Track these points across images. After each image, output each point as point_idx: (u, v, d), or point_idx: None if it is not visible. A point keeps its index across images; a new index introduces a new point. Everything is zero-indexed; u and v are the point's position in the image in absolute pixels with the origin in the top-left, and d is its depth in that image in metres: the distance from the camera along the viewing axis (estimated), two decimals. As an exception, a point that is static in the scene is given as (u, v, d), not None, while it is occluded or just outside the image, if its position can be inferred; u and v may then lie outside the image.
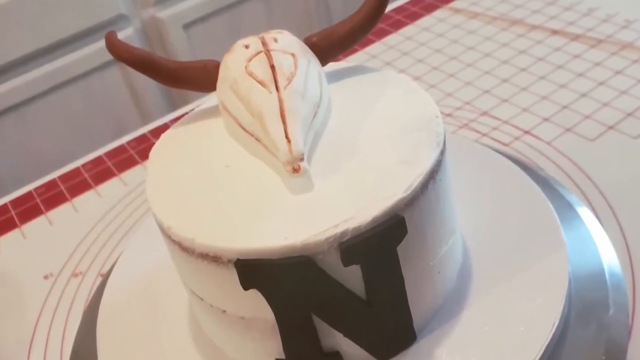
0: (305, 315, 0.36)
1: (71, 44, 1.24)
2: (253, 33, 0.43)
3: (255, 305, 0.36)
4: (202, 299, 0.40)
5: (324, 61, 0.43)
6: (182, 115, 0.46)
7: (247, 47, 0.41)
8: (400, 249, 0.36)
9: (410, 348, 0.39)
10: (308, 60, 0.41)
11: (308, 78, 0.40)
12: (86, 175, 0.71)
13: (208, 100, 0.45)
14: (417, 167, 0.36)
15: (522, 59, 0.72)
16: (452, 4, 0.85)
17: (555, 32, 0.75)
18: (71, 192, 0.69)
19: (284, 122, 0.37)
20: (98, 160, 0.73)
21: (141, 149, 0.73)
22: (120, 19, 1.28)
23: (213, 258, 0.35)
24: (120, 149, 0.74)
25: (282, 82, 0.39)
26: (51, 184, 0.71)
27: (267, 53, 0.40)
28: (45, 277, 0.58)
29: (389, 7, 0.87)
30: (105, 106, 1.30)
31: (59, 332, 0.53)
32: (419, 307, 0.39)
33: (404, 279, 0.37)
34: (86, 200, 0.67)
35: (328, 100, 0.42)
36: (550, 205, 0.46)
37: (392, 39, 0.81)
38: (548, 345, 0.38)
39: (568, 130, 0.61)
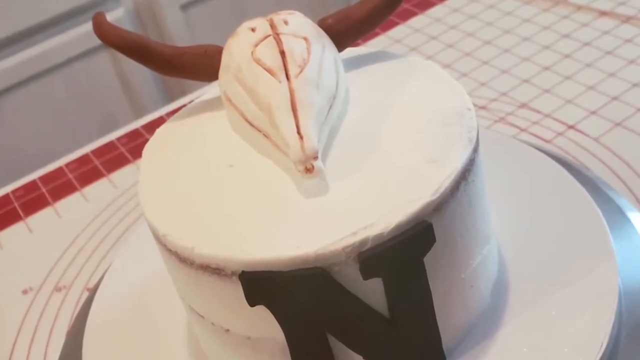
0: (320, 335, 0.36)
1: (54, 26, 1.24)
2: (260, 14, 0.43)
3: (263, 323, 0.36)
4: (202, 317, 0.40)
5: (340, 46, 0.43)
6: (180, 108, 0.46)
7: (253, 30, 0.41)
8: (427, 259, 0.36)
9: (439, 372, 0.40)
10: (323, 45, 0.41)
11: (323, 65, 0.40)
12: (70, 176, 0.71)
13: (209, 91, 0.46)
14: (446, 167, 0.36)
15: (565, 44, 0.72)
16: (485, -19, 0.85)
17: (603, 13, 0.75)
18: (53, 195, 0.69)
19: (296, 116, 0.37)
20: (84, 159, 0.73)
21: (133, 146, 0.73)
22: (110, -1, 1.29)
23: (215, 270, 0.35)
24: (110, 146, 0.74)
25: (293, 70, 0.39)
26: (31, 186, 0.71)
27: (276, 37, 0.40)
28: (24, 292, 0.59)
29: (414, -15, 0.87)
30: (92, 97, 1.31)
31: (40, 354, 0.53)
32: (448, 325, 0.39)
33: (432, 293, 0.37)
34: (71, 205, 0.67)
35: (345, 90, 0.42)
36: (598, 210, 0.46)
37: (418, 20, 0.81)
38: (596, 370, 0.38)
39: (618, 124, 0.60)
